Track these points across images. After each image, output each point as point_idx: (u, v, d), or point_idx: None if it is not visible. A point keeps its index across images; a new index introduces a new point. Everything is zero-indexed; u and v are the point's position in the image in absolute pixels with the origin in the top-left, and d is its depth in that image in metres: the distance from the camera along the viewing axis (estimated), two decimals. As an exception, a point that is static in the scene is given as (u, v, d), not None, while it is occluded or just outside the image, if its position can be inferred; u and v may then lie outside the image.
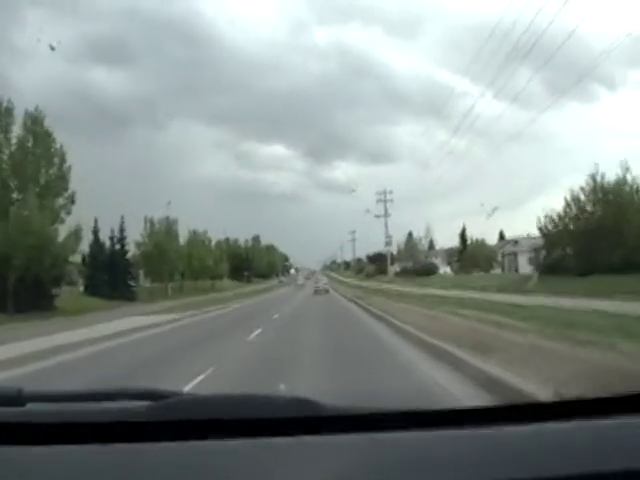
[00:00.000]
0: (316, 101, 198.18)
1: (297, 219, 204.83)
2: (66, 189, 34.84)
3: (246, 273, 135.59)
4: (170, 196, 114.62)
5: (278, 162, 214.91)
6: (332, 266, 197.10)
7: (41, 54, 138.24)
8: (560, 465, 1.05)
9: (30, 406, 1.44)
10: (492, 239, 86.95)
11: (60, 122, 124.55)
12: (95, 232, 55.77)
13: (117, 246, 56.51)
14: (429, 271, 72.31)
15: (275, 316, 23.30)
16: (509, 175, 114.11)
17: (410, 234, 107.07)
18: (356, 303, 29.83)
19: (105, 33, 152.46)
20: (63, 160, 35.12)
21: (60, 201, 34.33)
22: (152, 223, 62.01)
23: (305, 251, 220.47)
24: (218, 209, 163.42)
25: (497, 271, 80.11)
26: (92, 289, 53.76)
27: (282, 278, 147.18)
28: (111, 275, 54.26)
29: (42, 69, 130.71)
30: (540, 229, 38.04)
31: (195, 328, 20.33)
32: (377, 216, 61.44)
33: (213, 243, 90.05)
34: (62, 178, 34.59)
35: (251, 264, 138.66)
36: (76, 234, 35.81)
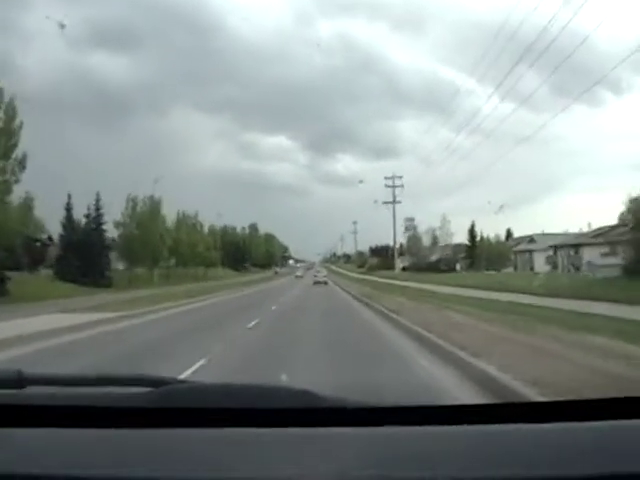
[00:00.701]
0: (320, 94, 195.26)
1: (298, 211, 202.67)
2: (12, 149, 28.44)
3: (246, 263, 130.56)
4: (169, 184, 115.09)
5: (281, 153, 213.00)
6: (332, 259, 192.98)
7: (45, 37, 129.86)
8: (556, 466, 1.07)
9: (30, 389, 1.41)
10: (498, 237, 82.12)
11: (62, 106, 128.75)
12: (68, 209, 49.57)
13: (92, 226, 50.21)
14: (446, 267, 65.71)
15: (250, 324, 15.62)
16: (514, 175, 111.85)
17: (415, 228, 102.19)
18: (368, 305, 22.10)
19: (109, 17, 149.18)
20: (13, 114, 28.80)
21: (2, 164, 27.80)
22: (134, 202, 55.33)
23: (305, 243, 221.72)
24: (219, 199, 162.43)
25: (509, 270, 74.50)
26: (62, 273, 47.55)
27: (277, 269, 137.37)
28: (84, 258, 47.95)
29: (46, 52, 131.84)
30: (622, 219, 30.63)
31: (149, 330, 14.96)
32: (386, 202, 55.23)
33: (206, 228, 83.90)
34: (8, 135, 28.22)
35: (248, 253, 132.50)
36: (24, 206, 29.38)
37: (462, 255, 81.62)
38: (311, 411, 1.29)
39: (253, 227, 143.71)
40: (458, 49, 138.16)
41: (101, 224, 50.41)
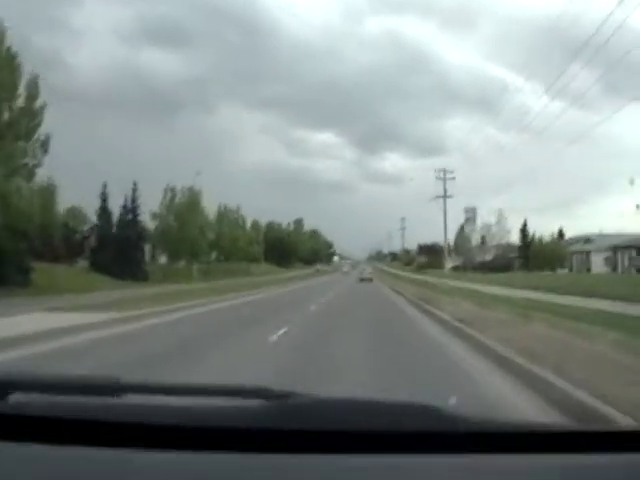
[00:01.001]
0: (368, 91, 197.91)
1: (344, 208, 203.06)
2: (35, 130, 26.35)
3: (290, 259, 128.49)
4: (216, 180, 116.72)
5: (328, 150, 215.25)
6: (378, 256, 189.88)
7: (96, 34, 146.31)
8: None
9: (128, 397, 1.32)
10: (552, 236, 78.72)
11: (112, 102, 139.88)
12: (103, 199, 47.82)
13: (129, 216, 48.37)
14: (500, 267, 61.41)
15: (275, 335, 11.87)
16: (562, 175, 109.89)
17: (462, 228, 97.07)
18: (428, 313, 17.48)
19: (161, 15, 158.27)
20: (35, 94, 26.71)
21: (23, 145, 25.67)
22: (173, 193, 53.29)
23: (351, 241, 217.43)
24: (265, 195, 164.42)
25: (564, 271, 69.80)
26: (98, 265, 45.87)
27: (319, 266, 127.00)
28: (119, 250, 46.16)
29: (97, 49, 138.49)
30: None
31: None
32: (437, 197, 51.65)
33: (249, 223, 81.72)
34: (30, 115, 26.13)
35: (292, 249, 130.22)
36: (45, 193, 27.25)
37: (514, 255, 77.36)
38: (451, 435, 1.18)
39: (298, 223, 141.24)
40: (508, 46, 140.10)
41: (137, 215, 48.41)
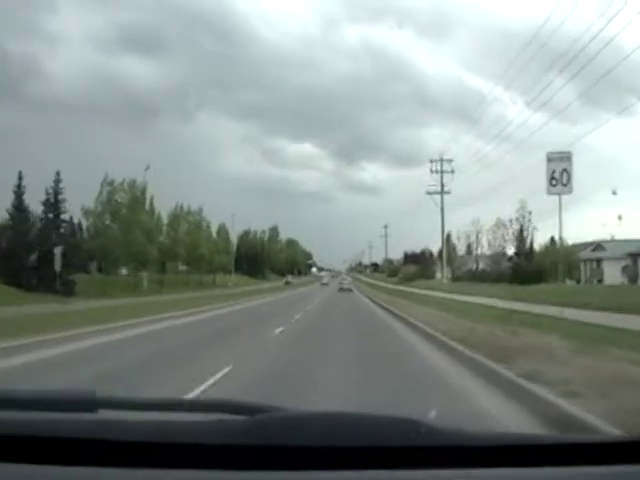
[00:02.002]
0: (346, 101, 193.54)
1: (323, 219, 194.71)
2: None
3: (264, 270, 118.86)
4: (191, 188, 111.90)
5: (306, 160, 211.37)
6: (358, 268, 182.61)
7: (72, 41, 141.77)
8: None
9: (103, 413, 1.30)
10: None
11: (87, 109, 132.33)
12: (18, 194, 38.08)
13: (50, 215, 38.64)
14: (498, 278, 52.21)
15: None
16: (541, 185, 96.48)
17: (449, 235, 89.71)
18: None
19: (138, 21, 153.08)
20: None
21: None
22: (112, 187, 43.41)
23: (330, 252, 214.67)
24: (242, 205, 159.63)
25: (571, 282, 61.41)
26: (8, 275, 36.19)
27: (290, 277, 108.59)
28: (39, 257, 36.54)
29: (73, 56, 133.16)
30: None
31: None
32: (430, 193, 42.89)
33: (214, 229, 71.95)
34: None
35: (267, 259, 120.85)
36: None
37: (507, 264, 69.16)
38: (437, 449, 1.16)
39: (273, 230, 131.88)
40: (485, 56, 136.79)
41: (59, 214, 38.68)
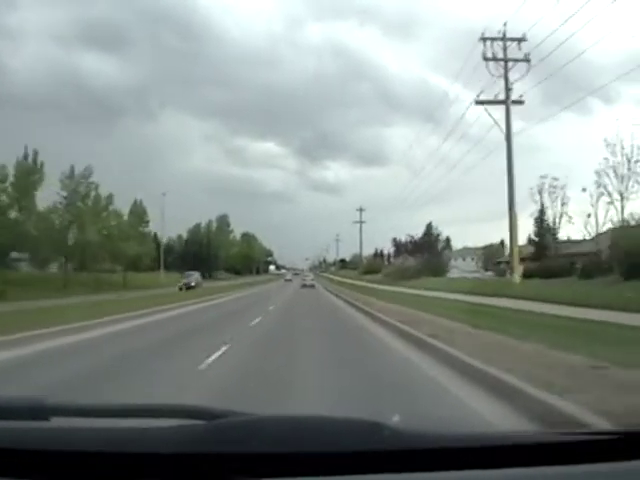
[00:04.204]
0: (310, 99, 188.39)
1: (286, 218, 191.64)
2: None
3: (213, 268, 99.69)
4: (155, 187, 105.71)
5: (269, 159, 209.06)
6: (322, 266, 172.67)
7: (32, 37, 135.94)
8: None
9: (55, 421, 1.23)
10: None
11: (50, 108, 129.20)
12: None
13: None
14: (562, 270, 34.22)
15: None
16: (500, 185, 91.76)
17: (429, 225, 73.12)
18: None
19: (99, 18, 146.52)
20: None
21: None
22: None
23: (292, 251, 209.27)
24: (204, 204, 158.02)
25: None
26: None
27: (184, 281, 54.77)
28: None
29: (32, 51, 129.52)
30: None
31: None
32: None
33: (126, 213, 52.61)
34: None
35: (214, 254, 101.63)
36: None
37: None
38: (401, 452, 1.11)
39: (222, 221, 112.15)
40: (448, 56, 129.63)
41: None
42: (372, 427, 1.16)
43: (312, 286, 54.09)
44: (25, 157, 38.73)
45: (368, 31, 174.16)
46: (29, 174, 37.88)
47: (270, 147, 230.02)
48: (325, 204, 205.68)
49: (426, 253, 50.03)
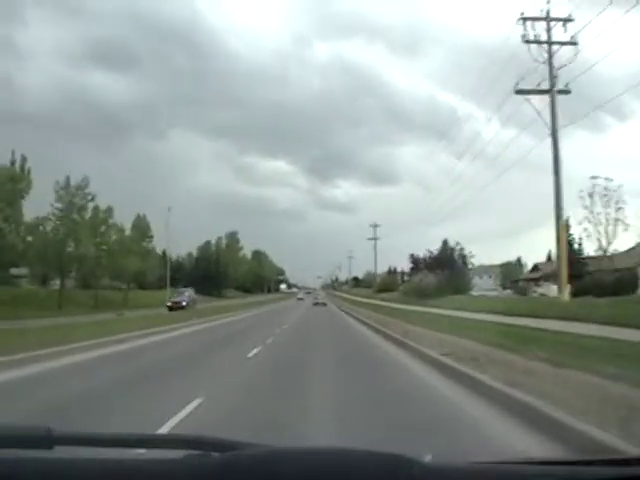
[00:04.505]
0: (319, 117, 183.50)
1: (297, 236, 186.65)
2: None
3: (223, 286, 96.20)
4: (163, 206, 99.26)
5: (280, 178, 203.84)
6: (334, 284, 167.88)
7: (41, 55, 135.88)
8: None
9: (59, 450, 1.20)
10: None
11: (56, 125, 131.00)
12: None
13: None
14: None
15: None
16: (514, 202, 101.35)
17: (445, 242, 69.13)
18: None
19: (107, 36, 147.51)
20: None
21: None
22: None
23: (303, 269, 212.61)
24: (216, 221, 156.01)
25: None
26: None
27: (174, 298, 49.53)
28: None
29: (43, 71, 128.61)
30: None
31: None
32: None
33: (128, 226, 49.29)
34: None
35: (224, 272, 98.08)
36: None
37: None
38: None
39: (232, 238, 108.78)
40: (458, 73, 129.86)
41: None
42: (399, 462, 1.06)
43: (323, 304, 56.71)
44: (12, 163, 35.91)
45: (376, 48, 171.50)
46: (15, 181, 34.70)
47: (280, 165, 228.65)
48: (336, 222, 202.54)
49: (446, 269, 46.15)
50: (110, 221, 42.33)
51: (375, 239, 73.56)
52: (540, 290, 49.63)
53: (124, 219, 49.83)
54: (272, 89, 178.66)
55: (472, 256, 56.19)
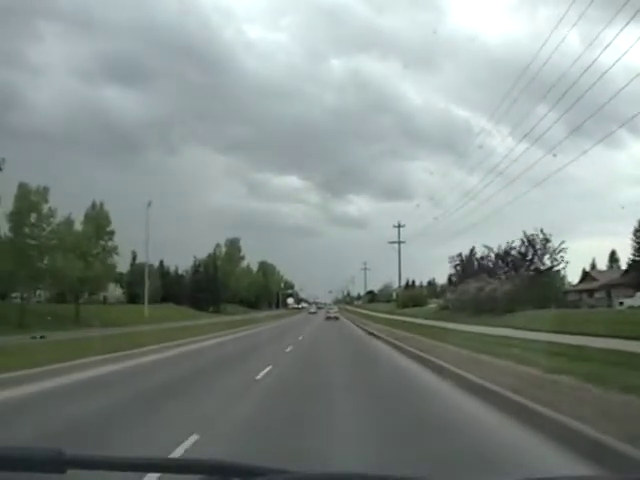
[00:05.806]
0: (332, 133, 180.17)
1: (309, 252, 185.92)
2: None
3: (221, 300, 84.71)
4: (176, 222, 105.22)
5: (292, 193, 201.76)
6: (347, 299, 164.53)
7: (55, 71, 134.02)
8: None
9: (72, 474, 1.19)
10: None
11: (70, 140, 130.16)
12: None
13: None
14: None
15: None
16: (528, 217, 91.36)
17: (472, 250, 57.80)
18: None
19: (121, 52, 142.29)
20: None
21: None
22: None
23: (317, 284, 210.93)
24: (226, 236, 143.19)
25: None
26: None
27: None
28: None
29: (57, 86, 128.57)
30: None
31: None
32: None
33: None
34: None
35: (223, 284, 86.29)
36: None
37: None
38: None
39: (233, 245, 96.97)
40: (472, 88, 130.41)
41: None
42: None
43: (336, 318, 57.43)
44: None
45: (390, 64, 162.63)
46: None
47: (292, 181, 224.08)
48: (349, 238, 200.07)
49: (524, 271, 34.10)
50: (45, 206, 30.93)
51: (399, 242, 62.04)
52: (628, 301, 37.74)
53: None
54: (286, 105, 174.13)
55: (563, 250, 42.07)
